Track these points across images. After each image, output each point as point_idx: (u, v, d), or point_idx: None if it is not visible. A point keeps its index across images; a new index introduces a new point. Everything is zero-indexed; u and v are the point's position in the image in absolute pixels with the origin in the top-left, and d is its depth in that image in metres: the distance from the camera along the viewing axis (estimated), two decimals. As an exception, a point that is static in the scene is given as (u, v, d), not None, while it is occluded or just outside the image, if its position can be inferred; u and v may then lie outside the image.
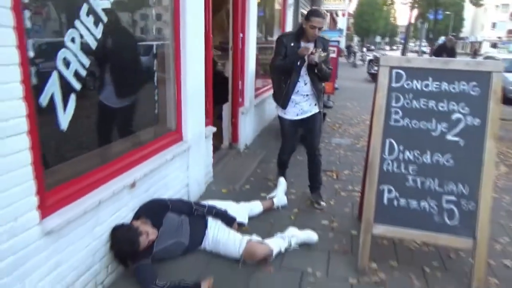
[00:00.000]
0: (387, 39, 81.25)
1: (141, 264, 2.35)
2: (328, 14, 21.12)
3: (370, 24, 58.67)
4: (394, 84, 2.68)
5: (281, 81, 3.50)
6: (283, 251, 2.83)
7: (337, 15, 27.62)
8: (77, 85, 2.14)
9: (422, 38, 23.92)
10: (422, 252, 2.98)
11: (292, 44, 3.39)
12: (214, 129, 4.11)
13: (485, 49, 59.89)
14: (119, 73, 2.71)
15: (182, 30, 3.18)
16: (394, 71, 2.68)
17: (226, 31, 5.22)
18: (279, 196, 3.62)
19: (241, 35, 5.06)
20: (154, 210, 2.62)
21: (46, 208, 1.86)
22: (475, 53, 26.57)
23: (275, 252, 2.73)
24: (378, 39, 69.66)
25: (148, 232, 2.41)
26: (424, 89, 2.67)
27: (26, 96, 1.68)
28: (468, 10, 49.85)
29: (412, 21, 28.42)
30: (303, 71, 3.42)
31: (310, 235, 2.97)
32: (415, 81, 2.66)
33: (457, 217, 2.58)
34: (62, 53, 2.04)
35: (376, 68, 15.53)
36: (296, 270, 2.67)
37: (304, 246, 2.95)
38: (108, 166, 2.40)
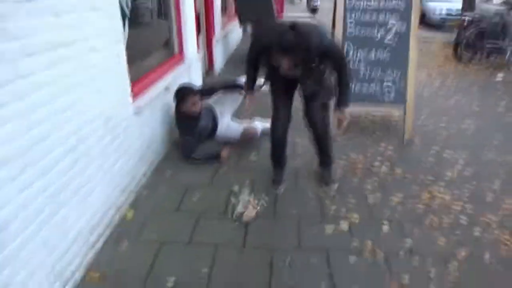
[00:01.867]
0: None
1: (187, 138, 3.32)
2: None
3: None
4: (348, 5, 3.73)
5: None
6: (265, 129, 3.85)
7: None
8: (128, 13, 2.92)
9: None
10: (373, 125, 4.23)
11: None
12: (202, 52, 4.96)
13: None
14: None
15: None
16: (347, -4, 3.71)
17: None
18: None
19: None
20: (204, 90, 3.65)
21: (133, 95, 2.74)
22: None
23: (259, 131, 3.71)
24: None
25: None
26: (368, 7, 3.74)
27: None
28: None
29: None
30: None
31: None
32: (362, 1, 3.71)
33: (394, 93, 3.80)
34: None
35: (315, 3, 16.49)
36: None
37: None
38: (154, 71, 3.28)
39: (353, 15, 3.75)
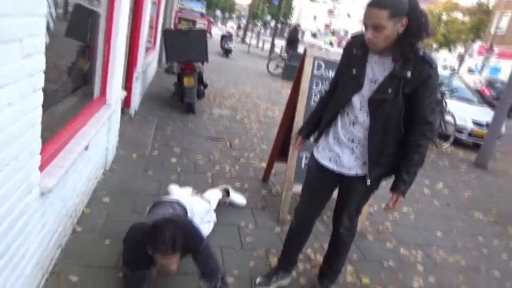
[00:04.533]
0: (226, 14, 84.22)
1: (126, 275, 2.11)
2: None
3: (212, -4, 59.80)
4: (315, 72, 3.31)
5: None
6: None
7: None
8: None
9: (266, 21, 26.33)
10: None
11: (355, 51, 1.96)
12: (125, 93, 4.03)
13: (307, 37, 69.18)
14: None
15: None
16: (316, 61, 3.30)
17: None
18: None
19: None
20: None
21: (40, 169, 1.78)
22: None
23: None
24: (218, 13, 71.62)
25: (172, 267, 1.96)
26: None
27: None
28: (297, 0, 56.34)
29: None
30: (359, 100, 1.96)
31: (242, 199, 3.45)
32: (330, 71, 3.34)
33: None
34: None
35: (229, 44, 16.38)
36: (232, 225, 3.09)
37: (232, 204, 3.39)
38: (70, 125, 2.32)
39: (319, 85, 3.33)
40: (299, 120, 3.27)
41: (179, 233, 1.92)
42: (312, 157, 2.23)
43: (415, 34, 1.74)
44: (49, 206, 1.96)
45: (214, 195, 3.21)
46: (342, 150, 2.07)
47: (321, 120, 2.19)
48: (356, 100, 1.96)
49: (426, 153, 1.95)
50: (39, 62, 1.53)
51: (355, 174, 2.07)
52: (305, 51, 3.30)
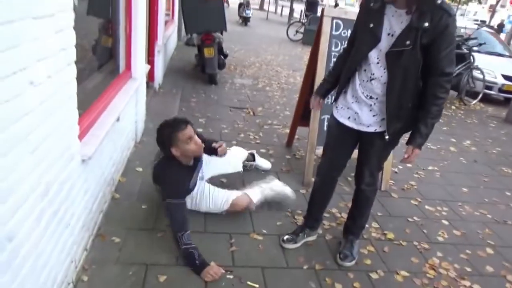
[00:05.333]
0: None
1: (175, 204, 2.24)
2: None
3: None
4: (334, 32, 3.29)
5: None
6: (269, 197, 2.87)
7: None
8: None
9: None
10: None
11: (372, 4, 1.95)
12: (149, 66, 4.14)
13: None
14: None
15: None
16: (334, 21, 3.27)
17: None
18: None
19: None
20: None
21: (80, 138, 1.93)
22: None
23: (255, 200, 2.71)
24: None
25: (196, 140, 2.34)
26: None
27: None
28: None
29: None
30: (376, 55, 1.97)
31: (267, 163, 3.57)
32: (350, 31, 3.31)
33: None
34: None
35: (247, 11, 16.13)
36: (258, 187, 3.22)
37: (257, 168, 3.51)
38: (102, 98, 2.45)
39: (338, 45, 3.33)
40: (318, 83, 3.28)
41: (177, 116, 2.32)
42: (332, 116, 2.29)
43: None
44: (90, 173, 2.12)
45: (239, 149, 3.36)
46: (361, 108, 2.10)
47: (339, 79, 2.23)
48: (373, 54, 1.97)
49: (444, 106, 1.97)
50: (70, 37, 1.63)
51: (374, 130, 2.11)
52: (322, 11, 3.28)
